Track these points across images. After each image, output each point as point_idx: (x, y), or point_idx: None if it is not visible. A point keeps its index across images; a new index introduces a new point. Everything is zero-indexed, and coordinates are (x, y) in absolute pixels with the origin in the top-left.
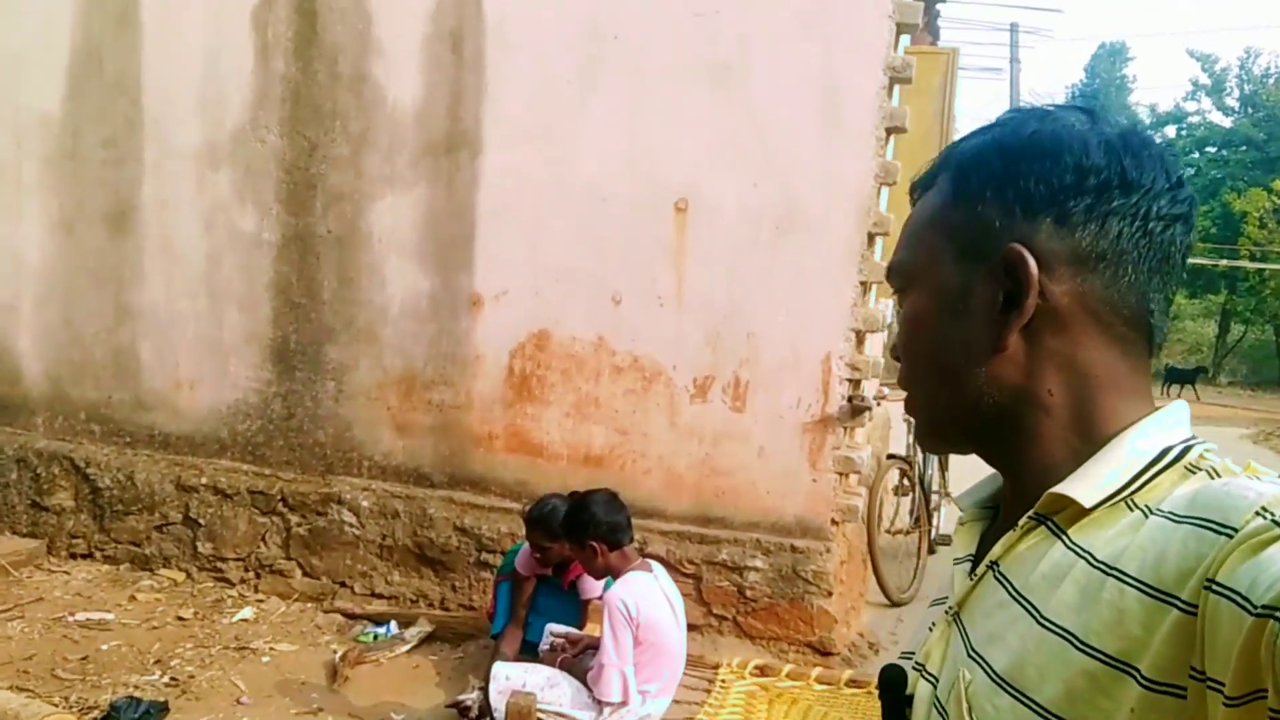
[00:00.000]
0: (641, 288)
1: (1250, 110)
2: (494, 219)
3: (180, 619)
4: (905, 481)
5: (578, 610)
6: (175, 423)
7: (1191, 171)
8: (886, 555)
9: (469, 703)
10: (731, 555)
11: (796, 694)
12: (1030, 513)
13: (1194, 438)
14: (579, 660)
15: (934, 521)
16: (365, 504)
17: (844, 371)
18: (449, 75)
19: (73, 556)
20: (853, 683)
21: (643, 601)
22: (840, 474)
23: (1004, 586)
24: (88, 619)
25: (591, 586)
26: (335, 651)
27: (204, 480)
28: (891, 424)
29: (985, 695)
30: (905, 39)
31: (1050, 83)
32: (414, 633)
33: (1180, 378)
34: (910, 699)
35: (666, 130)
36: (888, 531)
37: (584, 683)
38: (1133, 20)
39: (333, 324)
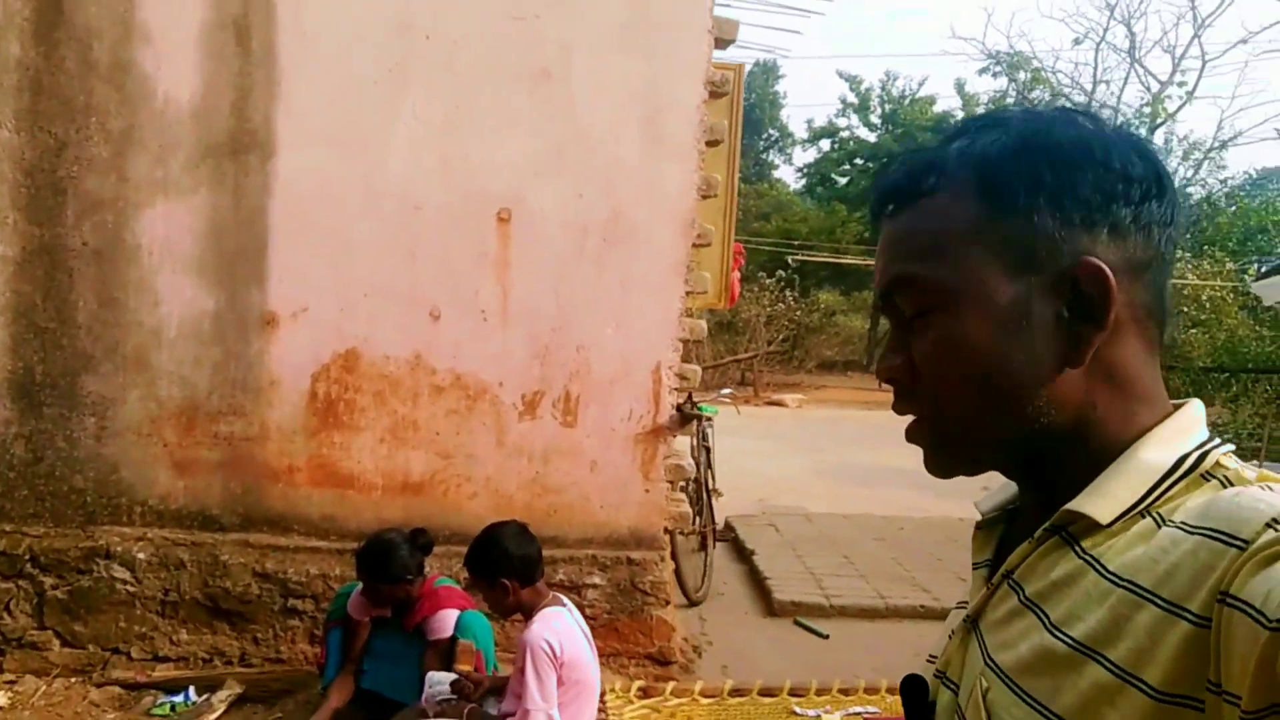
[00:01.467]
0: (462, 301)
1: (890, 127)
2: (290, 228)
3: None
4: (689, 482)
5: (421, 654)
6: None
7: (844, 181)
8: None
9: None
10: (569, 574)
11: (688, 711)
12: (1045, 525)
13: (1211, 440)
14: (484, 708)
15: (713, 518)
16: (141, 556)
17: (673, 381)
18: (234, 68)
19: None
20: (736, 692)
21: (564, 638)
22: (670, 482)
23: (1016, 594)
24: None
25: (442, 626)
26: None
27: None
28: None
29: (1003, 705)
30: (720, 53)
31: None
32: (222, 697)
33: None
34: (933, 705)
35: (486, 136)
36: (681, 533)
37: None
38: (784, 40)
39: (92, 351)
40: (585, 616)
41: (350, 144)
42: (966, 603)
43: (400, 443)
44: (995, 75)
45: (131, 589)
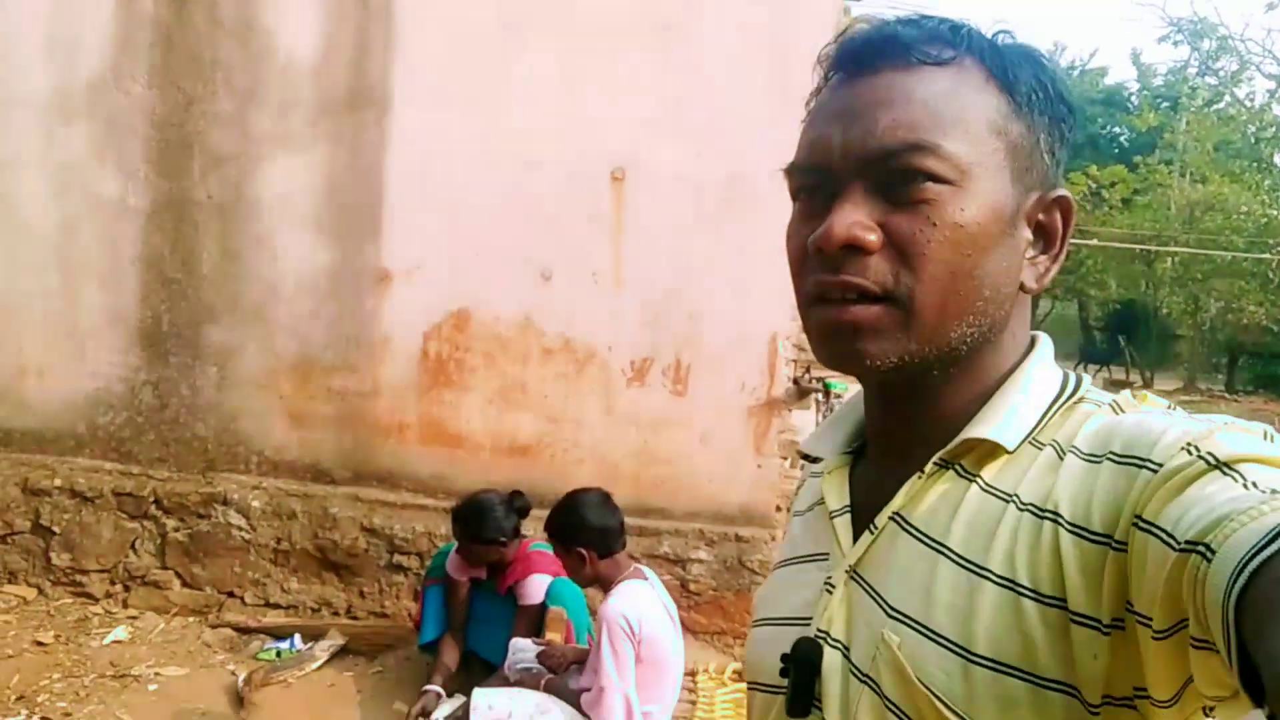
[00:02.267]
0: (574, 263)
1: None
2: (406, 185)
3: (39, 644)
4: None
5: (514, 617)
6: (19, 416)
7: None
8: None
9: None
10: (673, 547)
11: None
12: (938, 457)
13: (1068, 371)
14: (564, 681)
15: None
16: (256, 504)
17: (790, 353)
18: (353, 25)
19: None
20: None
21: (644, 614)
22: (785, 458)
23: (919, 538)
24: None
25: (533, 591)
26: (235, 674)
27: (57, 482)
28: None
29: (927, 656)
30: (849, 3)
31: None
32: (325, 646)
33: None
34: (815, 669)
35: (603, 93)
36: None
37: (576, 707)
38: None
39: (214, 302)
40: (689, 592)
41: (466, 101)
42: (820, 555)
43: (509, 404)
44: (1176, 44)
45: (246, 536)
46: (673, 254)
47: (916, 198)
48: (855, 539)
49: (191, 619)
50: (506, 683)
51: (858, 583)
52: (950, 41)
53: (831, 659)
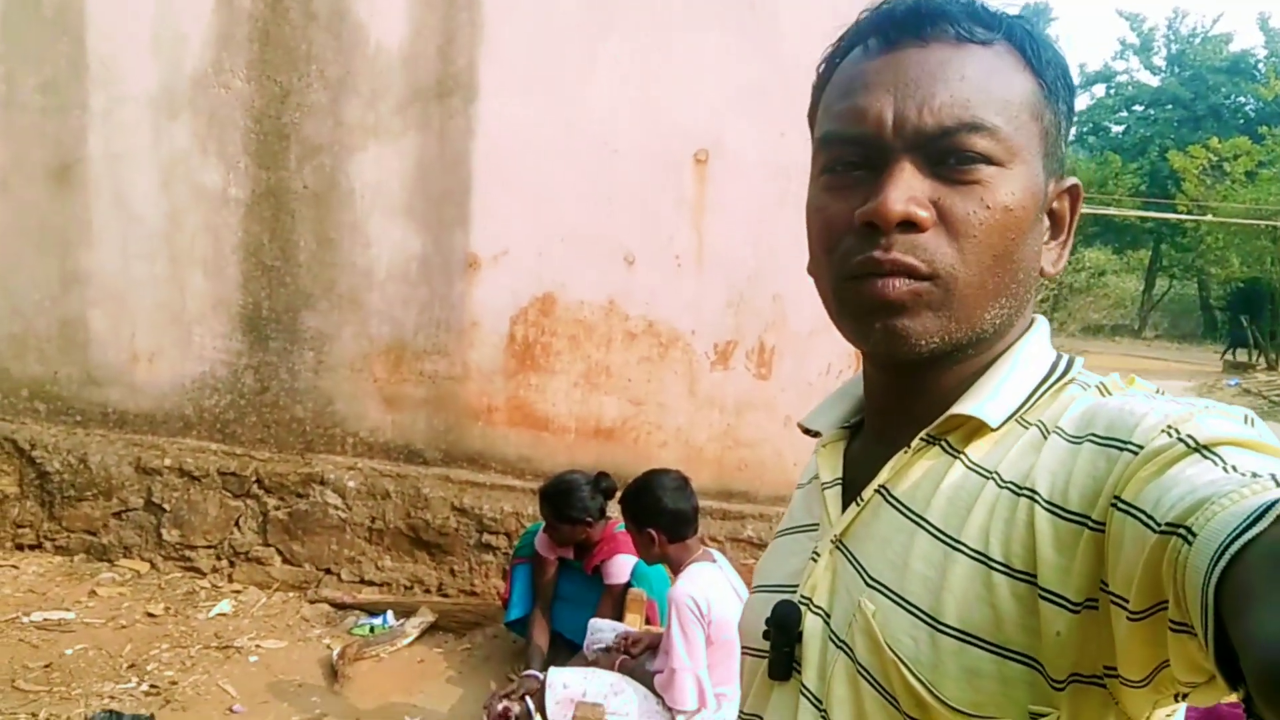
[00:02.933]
0: (657, 247)
1: (1177, 70)
2: (492, 172)
3: (150, 615)
4: None
5: (599, 597)
6: (132, 399)
7: (1119, 129)
8: None
9: (513, 714)
10: (757, 530)
11: None
12: (924, 433)
13: (1061, 352)
14: (639, 662)
15: None
16: (351, 484)
17: None
18: (440, 13)
19: (19, 548)
20: None
21: (713, 596)
22: None
23: (900, 511)
24: (45, 619)
25: (619, 571)
26: (330, 648)
27: (167, 461)
28: None
29: (899, 625)
30: None
31: None
32: (415, 623)
33: None
34: (800, 635)
35: (684, 75)
36: None
37: (650, 688)
38: None
39: (311, 289)
40: None
41: (550, 88)
42: (808, 526)
43: (593, 388)
44: None
45: (343, 515)
46: (756, 237)
47: (970, 178)
48: (844, 511)
49: (291, 594)
50: (585, 663)
51: (842, 552)
52: (989, 23)
53: (813, 625)
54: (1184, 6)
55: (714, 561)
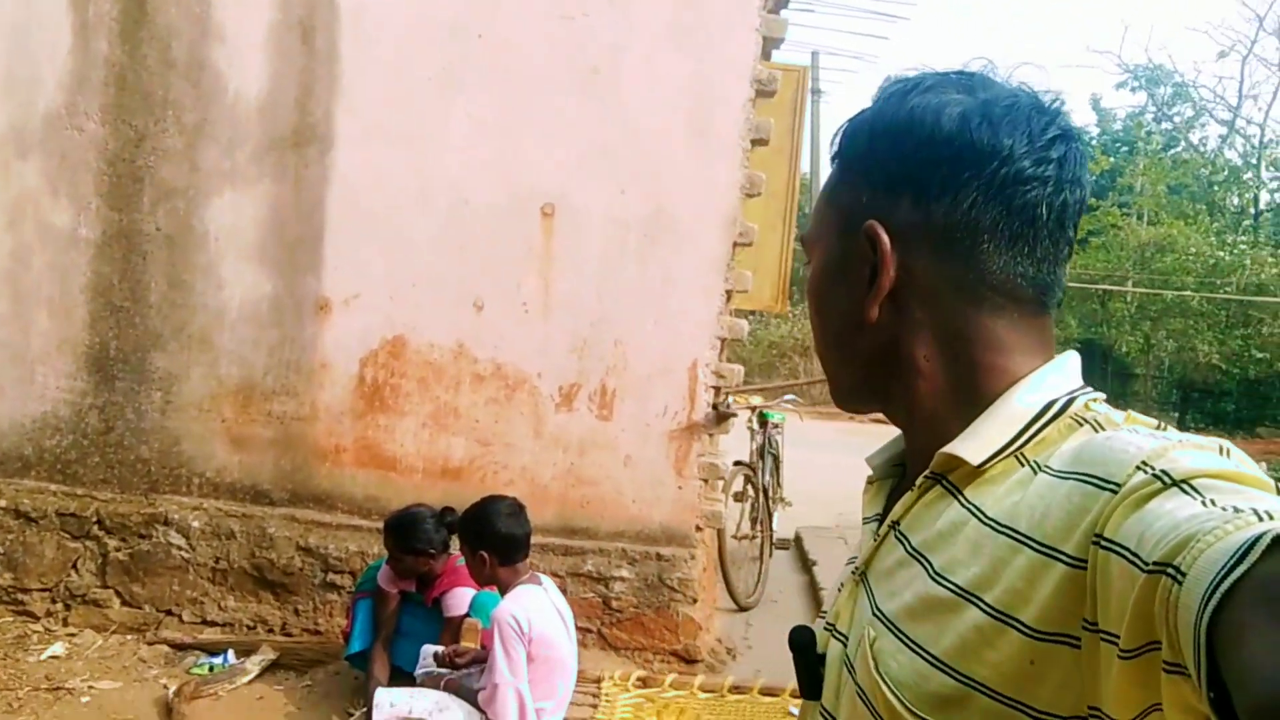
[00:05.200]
0: (505, 294)
1: None
2: (346, 219)
3: None
4: (749, 487)
5: (441, 629)
6: None
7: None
8: (733, 561)
9: None
10: (597, 566)
11: (682, 703)
12: (926, 472)
13: (1082, 388)
14: (465, 680)
15: (772, 525)
16: (196, 524)
17: (710, 379)
18: (298, 66)
19: None
20: (735, 689)
21: (534, 615)
22: (704, 480)
23: (902, 545)
24: None
25: (458, 603)
26: (167, 687)
27: (2, 503)
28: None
29: (889, 652)
30: (771, 53)
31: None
32: (256, 661)
33: None
34: (823, 658)
35: (534, 134)
36: (733, 537)
37: (474, 704)
38: (873, 47)
39: (160, 329)
40: (611, 609)
41: (405, 140)
42: (854, 559)
43: (441, 428)
44: (1134, 90)
45: (186, 555)
46: (599, 286)
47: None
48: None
49: (129, 636)
50: (409, 684)
51: (863, 583)
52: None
53: (834, 649)
54: (1026, 84)
55: (540, 585)
